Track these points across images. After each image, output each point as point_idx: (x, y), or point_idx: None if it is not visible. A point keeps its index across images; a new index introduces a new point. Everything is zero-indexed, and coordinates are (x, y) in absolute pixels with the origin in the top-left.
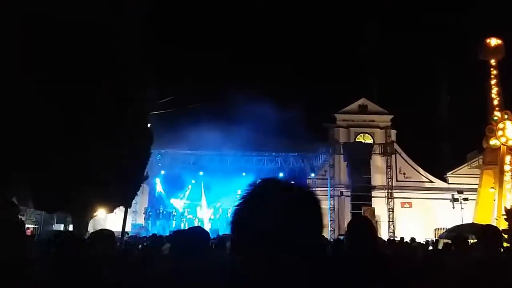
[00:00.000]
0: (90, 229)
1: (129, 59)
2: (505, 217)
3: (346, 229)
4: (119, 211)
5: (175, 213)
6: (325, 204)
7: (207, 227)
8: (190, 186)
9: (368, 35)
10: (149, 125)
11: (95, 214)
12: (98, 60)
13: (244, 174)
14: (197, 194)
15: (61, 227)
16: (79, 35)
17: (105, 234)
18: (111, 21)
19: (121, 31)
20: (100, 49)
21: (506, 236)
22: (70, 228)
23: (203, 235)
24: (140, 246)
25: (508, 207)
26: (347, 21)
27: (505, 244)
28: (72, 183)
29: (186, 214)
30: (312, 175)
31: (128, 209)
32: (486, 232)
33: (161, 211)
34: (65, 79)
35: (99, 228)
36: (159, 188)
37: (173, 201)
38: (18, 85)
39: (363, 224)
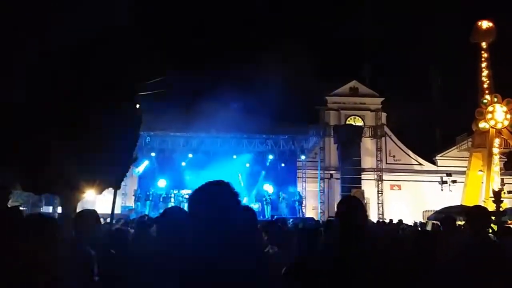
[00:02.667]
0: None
1: (120, 39)
2: (493, 199)
3: (336, 209)
4: (108, 193)
5: (165, 195)
6: (315, 187)
7: None
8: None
9: (362, 18)
10: (138, 106)
11: (83, 195)
12: (85, 40)
13: (235, 156)
14: (187, 176)
15: (50, 209)
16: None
17: (89, 214)
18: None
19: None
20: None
21: (493, 218)
22: (59, 210)
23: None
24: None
25: (496, 190)
26: (341, 2)
27: (493, 226)
28: (60, 164)
29: (174, 196)
30: (303, 157)
31: (118, 191)
32: (474, 214)
33: (150, 193)
34: (52, 61)
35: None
36: (148, 170)
37: (161, 183)
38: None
39: (353, 203)
